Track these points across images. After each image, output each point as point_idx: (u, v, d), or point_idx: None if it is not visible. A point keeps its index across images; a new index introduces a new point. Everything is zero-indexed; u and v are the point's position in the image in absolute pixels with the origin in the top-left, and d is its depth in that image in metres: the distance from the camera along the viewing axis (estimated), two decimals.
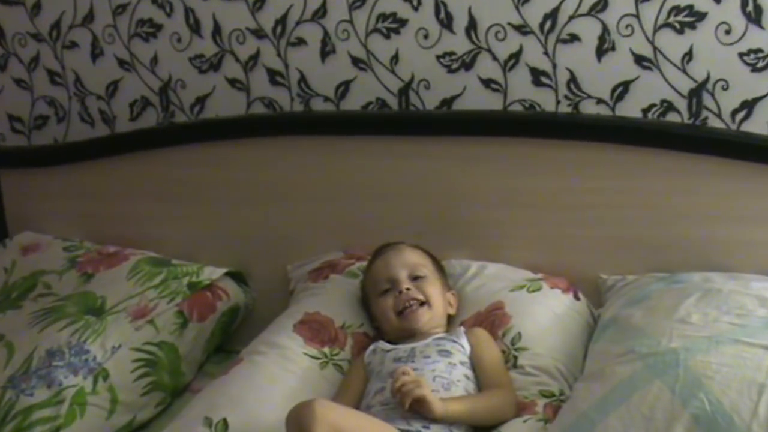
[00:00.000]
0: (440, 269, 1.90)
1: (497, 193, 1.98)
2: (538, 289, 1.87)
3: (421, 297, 1.76)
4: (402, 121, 2.08)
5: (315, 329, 1.84)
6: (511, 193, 1.97)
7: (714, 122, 1.90)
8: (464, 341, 1.72)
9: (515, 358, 1.73)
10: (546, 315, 1.81)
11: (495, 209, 1.98)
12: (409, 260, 1.83)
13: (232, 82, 2.27)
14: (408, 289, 1.76)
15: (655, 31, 1.89)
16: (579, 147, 1.90)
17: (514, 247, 1.97)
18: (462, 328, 1.78)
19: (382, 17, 2.08)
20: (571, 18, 1.94)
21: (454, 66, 2.06)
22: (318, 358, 1.78)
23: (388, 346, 1.75)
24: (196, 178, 2.21)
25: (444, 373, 1.64)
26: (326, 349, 1.80)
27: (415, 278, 1.80)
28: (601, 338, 1.70)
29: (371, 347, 1.78)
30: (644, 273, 1.84)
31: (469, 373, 1.67)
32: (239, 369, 1.75)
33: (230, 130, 2.19)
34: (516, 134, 1.95)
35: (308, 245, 2.12)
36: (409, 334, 1.75)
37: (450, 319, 1.83)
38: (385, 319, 1.79)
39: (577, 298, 1.88)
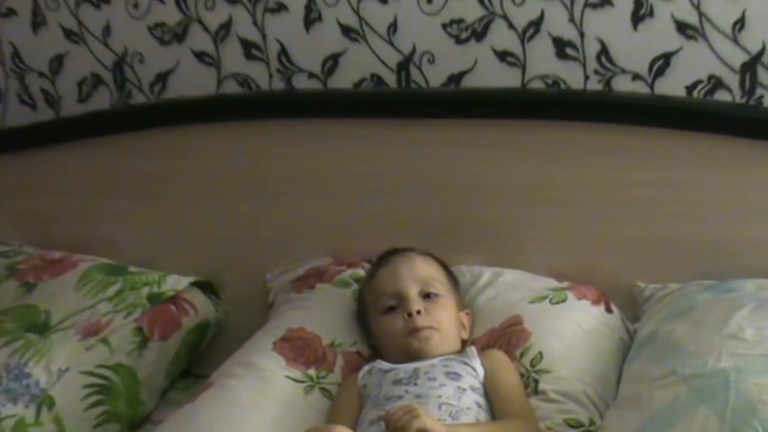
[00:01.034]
0: (455, 283, 1.91)
1: (514, 186, 1.99)
2: (563, 300, 1.88)
3: (430, 324, 1.77)
4: (401, 102, 2.10)
5: (299, 348, 1.85)
6: (530, 186, 1.98)
7: None
8: (477, 364, 1.74)
9: (536, 382, 1.74)
10: (572, 331, 1.82)
11: (512, 205, 1.99)
12: (421, 273, 1.84)
13: (200, 55, 2.28)
14: (419, 311, 1.77)
15: None
16: (611, 131, 1.91)
17: (534, 251, 1.98)
18: (474, 348, 1.79)
19: None
20: None
21: (464, 36, 2.07)
22: (302, 382, 1.79)
23: (387, 365, 1.76)
24: (157, 169, 2.22)
25: (452, 399, 1.64)
26: (312, 371, 1.81)
27: (426, 295, 1.81)
28: (637, 357, 1.70)
29: (366, 367, 1.79)
30: (689, 280, 1.85)
31: (482, 400, 1.68)
32: (209, 395, 1.76)
33: (198, 113, 2.20)
34: (536, 116, 1.96)
35: (291, 249, 2.13)
36: (416, 358, 1.76)
37: (463, 343, 1.84)
38: (388, 341, 1.80)
39: (609, 310, 1.89)
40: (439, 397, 1.64)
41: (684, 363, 1.56)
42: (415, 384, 1.68)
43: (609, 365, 1.79)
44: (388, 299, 1.81)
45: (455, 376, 1.69)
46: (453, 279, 1.92)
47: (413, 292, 1.80)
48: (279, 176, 2.14)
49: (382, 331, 1.81)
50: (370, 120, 2.07)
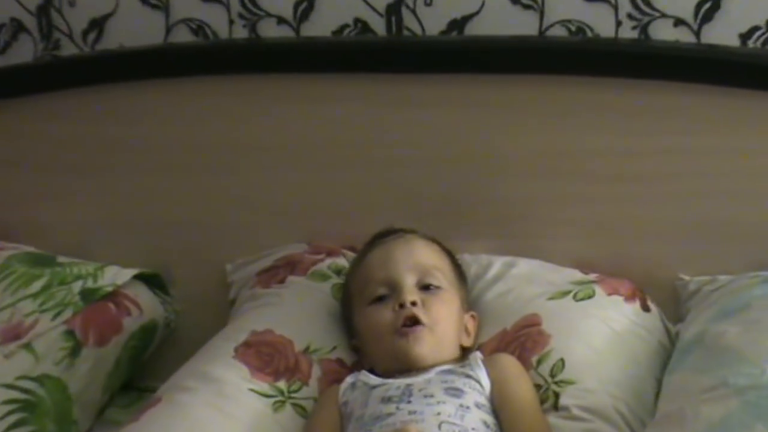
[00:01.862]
0: (462, 279, 1.92)
1: (530, 156, 1.99)
2: (590, 296, 1.88)
3: (426, 320, 1.77)
4: (392, 53, 2.10)
5: (266, 355, 1.85)
6: (550, 155, 1.98)
7: None
8: (482, 375, 1.73)
9: (556, 395, 1.74)
10: (601, 333, 1.82)
11: (527, 180, 2.00)
12: (422, 260, 1.84)
13: None
14: (413, 303, 1.77)
15: None
16: (649, 88, 1.91)
17: (555, 236, 1.99)
18: (479, 355, 1.79)
19: None
20: None
21: None
22: (270, 397, 1.79)
23: (375, 380, 1.76)
24: (92, 136, 2.22)
25: (453, 418, 1.64)
26: (282, 384, 1.81)
27: (425, 287, 1.81)
28: (680, 366, 1.71)
29: (349, 379, 1.79)
30: (743, 272, 1.85)
31: (489, 418, 1.68)
32: (156, 413, 1.75)
33: (142, 67, 2.19)
34: (558, 70, 1.96)
35: (256, 234, 2.13)
36: (404, 364, 1.76)
37: (464, 351, 1.84)
38: (374, 338, 1.80)
39: (645, 308, 1.90)
40: (438, 415, 1.64)
41: (737, 372, 1.56)
42: (409, 401, 1.67)
43: (646, 375, 1.80)
44: (378, 287, 1.81)
45: (456, 392, 1.69)
46: (460, 273, 1.92)
47: (409, 280, 1.80)
48: (242, 144, 2.14)
49: (366, 326, 1.81)
50: (353, 75, 2.07)
